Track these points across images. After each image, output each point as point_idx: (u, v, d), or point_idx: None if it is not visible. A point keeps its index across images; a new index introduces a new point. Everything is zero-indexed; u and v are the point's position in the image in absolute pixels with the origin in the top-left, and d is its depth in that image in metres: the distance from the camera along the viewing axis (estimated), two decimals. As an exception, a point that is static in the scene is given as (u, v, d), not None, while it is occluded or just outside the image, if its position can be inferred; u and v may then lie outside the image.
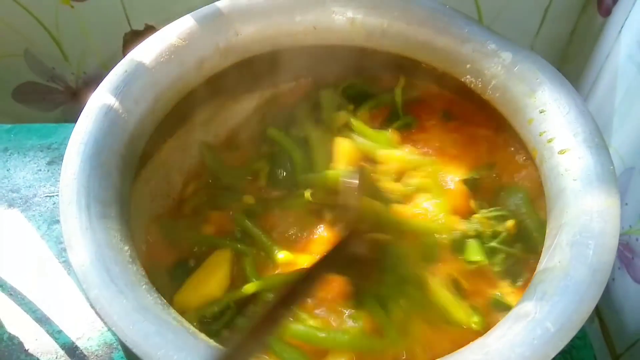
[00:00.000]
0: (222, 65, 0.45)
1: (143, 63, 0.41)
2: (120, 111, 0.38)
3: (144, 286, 0.31)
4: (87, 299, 0.29)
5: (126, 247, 0.32)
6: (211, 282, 0.40)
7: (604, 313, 0.62)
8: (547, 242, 0.35)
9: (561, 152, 0.37)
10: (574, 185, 0.35)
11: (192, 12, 0.44)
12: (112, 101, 0.38)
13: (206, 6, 0.45)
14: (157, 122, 0.41)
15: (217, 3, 0.45)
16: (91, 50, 0.74)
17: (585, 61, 0.69)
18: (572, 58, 0.74)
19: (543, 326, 0.29)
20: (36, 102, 0.81)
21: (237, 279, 0.41)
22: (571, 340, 0.50)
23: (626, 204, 0.57)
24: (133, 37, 0.72)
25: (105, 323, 0.28)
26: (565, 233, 0.33)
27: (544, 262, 0.34)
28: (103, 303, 0.29)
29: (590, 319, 0.64)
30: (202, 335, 0.29)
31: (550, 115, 0.39)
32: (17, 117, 0.82)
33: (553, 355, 0.28)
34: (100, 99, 0.38)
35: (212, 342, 0.29)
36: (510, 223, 0.41)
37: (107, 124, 0.37)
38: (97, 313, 0.29)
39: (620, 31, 0.61)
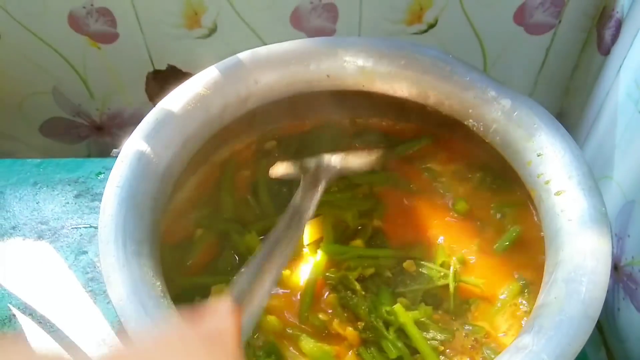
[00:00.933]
0: (242, 111, 0.49)
1: (172, 111, 0.44)
2: (152, 156, 0.42)
3: (175, 319, 0.34)
4: (125, 330, 0.32)
5: (158, 283, 0.35)
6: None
7: (610, 342, 0.64)
8: (545, 278, 0.38)
9: (557, 193, 0.40)
10: (569, 226, 0.38)
11: (217, 64, 0.48)
12: (145, 147, 0.42)
13: (229, 58, 0.49)
14: (184, 164, 0.45)
15: (239, 55, 0.49)
16: (116, 87, 0.78)
17: (587, 97, 0.72)
18: (575, 93, 0.77)
19: (539, 358, 0.32)
20: (62, 136, 0.85)
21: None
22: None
23: (628, 235, 0.59)
24: (156, 76, 0.76)
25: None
26: (560, 270, 0.36)
27: (541, 298, 0.36)
28: (139, 334, 0.32)
29: (597, 348, 0.66)
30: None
31: (547, 159, 0.42)
32: (44, 150, 0.86)
33: (549, 386, 0.31)
34: (134, 145, 0.42)
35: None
36: None
37: (140, 169, 0.41)
38: (134, 343, 0.32)
39: (619, 70, 0.64)
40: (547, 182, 0.41)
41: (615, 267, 0.61)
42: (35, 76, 0.76)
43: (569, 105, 0.78)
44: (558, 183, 0.41)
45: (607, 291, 0.62)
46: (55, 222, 0.65)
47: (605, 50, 0.68)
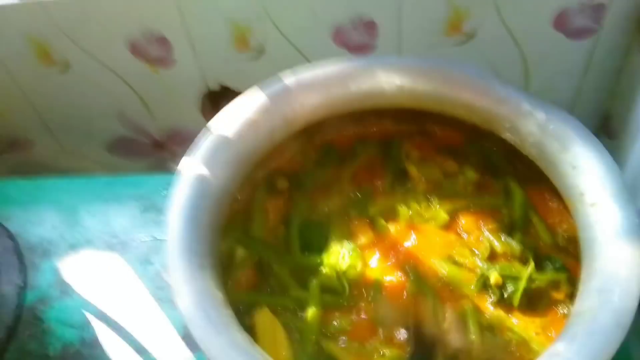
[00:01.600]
0: (289, 132, 0.53)
1: (227, 136, 0.49)
2: (210, 177, 0.46)
3: (235, 327, 0.38)
4: (193, 336, 0.37)
5: (220, 294, 0.40)
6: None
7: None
8: (580, 287, 0.40)
9: (592, 205, 0.42)
10: (603, 237, 0.40)
11: (263, 87, 0.52)
12: (204, 169, 0.46)
13: (274, 81, 0.53)
14: (239, 184, 0.49)
15: (283, 78, 0.53)
16: (174, 108, 0.84)
17: (633, 100, 0.71)
18: (620, 97, 0.76)
19: (572, 365, 0.34)
20: (127, 154, 0.92)
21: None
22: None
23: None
24: (210, 96, 0.82)
25: (207, 356, 0.36)
26: (594, 280, 0.38)
27: (576, 306, 0.38)
28: (205, 341, 0.36)
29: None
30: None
31: (581, 171, 0.44)
32: (110, 166, 0.93)
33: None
34: (194, 167, 0.47)
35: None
36: None
37: (201, 189, 0.45)
38: (200, 348, 0.36)
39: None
40: (581, 194, 0.43)
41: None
42: (102, 100, 0.83)
43: (615, 109, 0.77)
44: (592, 195, 0.42)
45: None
46: (124, 236, 0.70)
47: (651, 51, 0.67)
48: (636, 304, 0.35)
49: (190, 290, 0.39)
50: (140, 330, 0.61)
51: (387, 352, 0.44)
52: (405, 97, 0.54)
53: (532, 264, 0.45)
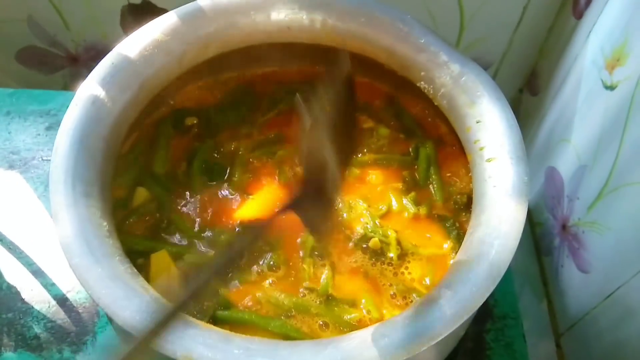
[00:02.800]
0: (202, 58, 0.50)
1: (129, 56, 0.46)
2: (106, 100, 0.43)
3: (117, 257, 0.37)
4: (69, 265, 0.35)
5: (104, 223, 0.38)
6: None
7: (552, 295, 0.68)
8: (465, 237, 0.41)
9: (488, 160, 0.43)
10: (493, 192, 0.41)
11: (176, 10, 0.49)
12: (99, 91, 0.43)
13: (189, 4, 0.49)
14: (140, 108, 0.46)
15: (199, 1, 0.49)
16: (91, 19, 0.78)
17: (558, 58, 0.73)
18: (548, 54, 0.78)
19: (442, 310, 0.35)
20: (38, 66, 0.85)
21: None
22: (504, 320, 0.57)
23: (578, 198, 0.62)
24: (130, 10, 0.76)
25: (83, 287, 0.35)
26: (478, 231, 0.39)
27: (459, 255, 0.40)
28: (81, 271, 0.35)
29: (540, 300, 0.70)
30: (164, 300, 0.36)
31: (484, 126, 0.44)
32: (20, 79, 0.87)
33: (446, 334, 0.35)
34: (88, 89, 0.43)
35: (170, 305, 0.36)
36: None
37: (93, 112, 0.42)
38: (77, 278, 0.35)
39: (588, 35, 0.64)
40: (481, 149, 0.44)
41: (564, 226, 0.65)
42: (9, 2, 0.75)
43: (542, 65, 0.79)
44: (491, 150, 0.43)
45: (554, 248, 0.67)
46: (26, 153, 0.66)
47: (579, 14, 0.68)
48: (511, 257, 0.37)
49: (71, 216, 0.37)
50: (39, 253, 0.59)
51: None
52: (327, 33, 0.52)
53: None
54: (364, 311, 0.43)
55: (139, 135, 0.50)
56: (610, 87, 0.57)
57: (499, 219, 0.39)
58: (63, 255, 0.35)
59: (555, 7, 0.73)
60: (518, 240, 0.38)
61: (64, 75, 0.87)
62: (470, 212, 0.44)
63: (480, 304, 0.36)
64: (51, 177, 0.39)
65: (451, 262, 0.40)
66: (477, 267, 0.37)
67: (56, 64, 0.85)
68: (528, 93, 0.83)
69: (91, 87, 0.43)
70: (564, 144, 0.68)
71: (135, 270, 0.38)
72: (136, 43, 0.47)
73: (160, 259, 0.45)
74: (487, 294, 0.36)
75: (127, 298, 0.34)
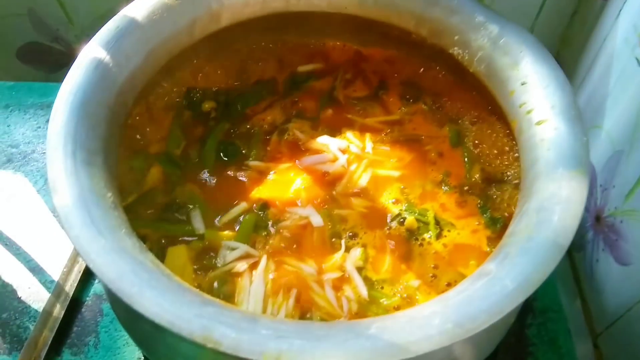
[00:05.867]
0: (214, 28, 0.46)
1: (136, 19, 0.41)
2: (111, 65, 0.39)
3: (123, 230, 0.32)
4: (69, 237, 0.31)
5: (109, 194, 0.34)
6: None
7: (586, 293, 0.63)
8: (517, 209, 0.36)
9: (538, 123, 0.38)
10: (547, 155, 0.36)
11: (186, -27, 0.45)
12: (103, 55, 0.39)
13: (201, -32, 0.46)
14: (148, 77, 0.42)
15: (211, -35, 0.46)
16: (94, 13, 0.74)
17: (584, 43, 0.69)
18: (571, 41, 0.74)
19: (502, 283, 0.30)
20: (40, 63, 0.82)
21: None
22: (546, 314, 0.52)
23: (613, 186, 0.58)
24: (136, 2, 0.73)
25: (84, 260, 0.30)
26: (534, 200, 0.34)
27: (511, 228, 0.35)
28: (82, 242, 0.30)
29: (572, 298, 0.65)
30: (176, 277, 0.31)
31: (530, 88, 0.40)
32: (21, 76, 0.83)
33: (508, 310, 0.29)
34: (91, 53, 0.39)
35: (185, 283, 0.31)
36: None
37: (96, 77, 0.38)
38: (77, 251, 0.30)
39: (618, 14, 0.61)
40: (528, 112, 0.39)
41: (597, 218, 0.60)
42: (10, -3, 0.72)
43: (564, 55, 0.75)
44: (540, 112, 0.38)
45: (587, 242, 0.63)
46: (25, 146, 0.63)
47: (606, -5, 0.64)
48: (577, 223, 0.32)
49: (71, 184, 0.32)
50: (38, 250, 0.54)
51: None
52: (349, 0, 0.48)
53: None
54: (404, 295, 0.38)
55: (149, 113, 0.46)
56: (647, 64, 0.53)
57: (558, 184, 0.34)
58: (65, 250, 0.30)
59: (579, -10, 0.70)
60: (583, 205, 0.33)
61: (67, 72, 0.83)
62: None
63: (547, 276, 0.31)
64: (48, 144, 0.34)
65: (505, 234, 0.35)
66: (538, 235, 0.32)
67: (59, 60, 0.81)
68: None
69: (94, 50, 0.39)
70: (595, 131, 0.64)
71: (144, 245, 0.33)
72: (144, 7, 0.43)
73: (176, 255, 0.41)
74: (554, 265, 0.31)
75: (134, 273, 0.29)
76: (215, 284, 0.39)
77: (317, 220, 0.42)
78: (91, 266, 0.29)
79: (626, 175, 0.55)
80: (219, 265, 0.40)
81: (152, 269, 0.30)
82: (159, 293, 0.29)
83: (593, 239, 0.62)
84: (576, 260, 0.66)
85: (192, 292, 0.30)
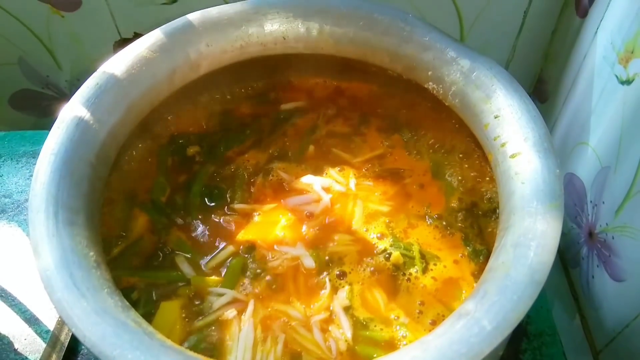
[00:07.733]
0: (194, 76, 0.47)
1: (115, 75, 0.42)
2: (92, 122, 0.40)
3: (105, 290, 0.32)
4: (51, 301, 0.31)
5: (91, 253, 0.34)
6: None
7: (585, 310, 0.63)
8: (496, 242, 0.37)
9: (512, 156, 0.39)
10: (522, 189, 0.37)
11: (163, 25, 0.46)
12: (84, 112, 0.40)
13: (177, 19, 0.47)
14: (130, 130, 0.43)
15: (188, 16, 0.47)
16: (83, 58, 0.76)
17: (565, 61, 0.70)
18: (554, 58, 0.75)
19: (480, 324, 0.30)
20: (32, 109, 0.83)
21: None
22: (541, 337, 0.52)
23: (603, 202, 0.58)
24: (123, 45, 0.74)
25: (67, 324, 0.30)
26: (510, 234, 0.35)
27: (490, 263, 0.35)
28: (64, 306, 0.31)
29: (572, 316, 0.65)
30: (159, 335, 0.31)
31: (503, 121, 0.40)
32: (13, 123, 0.85)
33: (488, 352, 0.30)
34: (72, 111, 0.40)
35: (168, 341, 0.31)
36: None
37: (78, 134, 0.39)
38: (60, 315, 0.30)
39: (596, 32, 0.61)
40: (503, 145, 0.40)
41: (590, 234, 0.60)
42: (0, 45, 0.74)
43: (548, 70, 0.76)
44: (514, 145, 0.39)
45: (582, 258, 0.63)
46: (18, 195, 0.64)
47: (583, 13, 0.65)
48: (552, 258, 0.33)
49: (53, 246, 0.33)
50: (33, 300, 0.54)
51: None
52: (325, 40, 0.49)
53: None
54: (392, 332, 0.38)
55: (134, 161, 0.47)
56: (627, 82, 0.54)
57: (534, 219, 0.34)
58: (45, 289, 0.30)
59: (557, 9, 0.71)
60: (558, 240, 0.34)
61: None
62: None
63: (524, 314, 0.31)
64: (30, 207, 0.35)
65: (485, 270, 0.35)
66: (515, 272, 0.32)
67: (50, 106, 0.83)
68: (536, 100, 0.80)
69: (75, 108, 0.40)
70: (581, 148, 0.64)
71: (127, 303, 0.33)
72: (122, 62, 0.44)
73: (168, 310, 0.41)
74: (531, 302, 0.31)
75: (116, 335, 0.30)
76: (204, 332, 0.40)
77: (309, 262, 0.43)
78: (74, 330, 0.30)
79: (614, 191, 0.55)
80: (207, 312, 0.41)
81: (134, 329, 0.31)
82: (140, 354, 0.29)
83: (587, 255, 0.62)
84: (573, 276, 0.66)
85: (175, 350, 0.30)
